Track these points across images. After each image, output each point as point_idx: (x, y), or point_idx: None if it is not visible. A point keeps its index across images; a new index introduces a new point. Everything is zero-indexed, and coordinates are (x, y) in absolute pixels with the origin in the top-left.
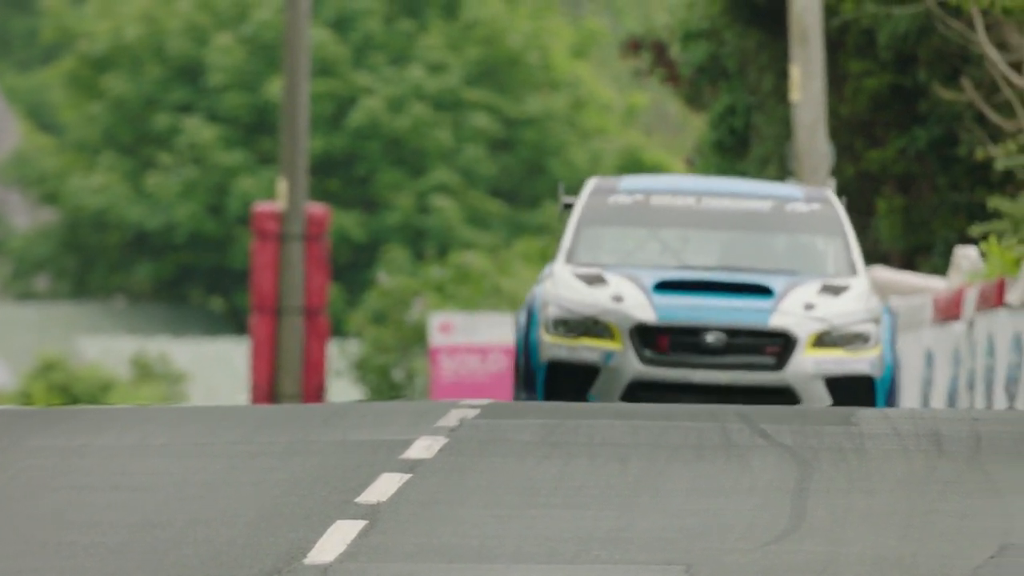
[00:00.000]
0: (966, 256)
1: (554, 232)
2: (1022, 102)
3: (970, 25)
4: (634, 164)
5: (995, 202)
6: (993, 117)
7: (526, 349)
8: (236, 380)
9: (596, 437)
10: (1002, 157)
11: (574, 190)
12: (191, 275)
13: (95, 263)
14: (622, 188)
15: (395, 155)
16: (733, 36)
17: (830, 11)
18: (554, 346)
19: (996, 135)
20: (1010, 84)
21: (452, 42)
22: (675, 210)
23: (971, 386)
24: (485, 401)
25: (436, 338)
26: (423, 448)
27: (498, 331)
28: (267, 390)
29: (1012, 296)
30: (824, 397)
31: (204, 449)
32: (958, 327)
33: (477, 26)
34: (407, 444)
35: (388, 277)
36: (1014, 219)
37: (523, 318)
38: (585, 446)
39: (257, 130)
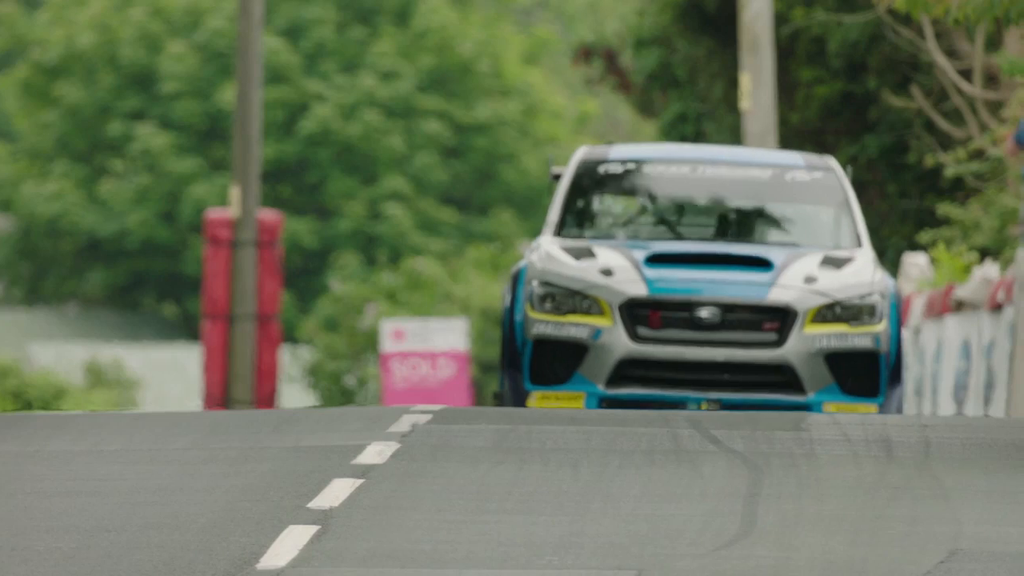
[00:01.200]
0: (915, 263)
1: (505, 239)
2: (972, 110)
3: (920, 33)
4: None
5: (944, 209)
6: (943, 124)
7: (511, 326)
8: (189, 386)
9: (548, 443)
10: (952, 164)
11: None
12: (144, 282)
13: (48, 270)
14: (612, 157)
15: (347, 162)
16: (684, 44)
17: (780, 19)
18: (540, 323)
19: (946, 142)
20: (960, 92)
21: (404, 50)
22: (669, 179)
23: (918, 392)
24: (437, 407)
25: (388, 344)
26: (375, 454)
27: (449, 337)
28: (219, 396)
29: (961, 292)
30: (825, 375)
31: (157, 455)
32: (904, 334)
33: (428, 34)
34: (359, 450)
35: (340, 284)
36: (963, 226)
37: (508, 294)
38: (537, 452)
39: (209, 137)
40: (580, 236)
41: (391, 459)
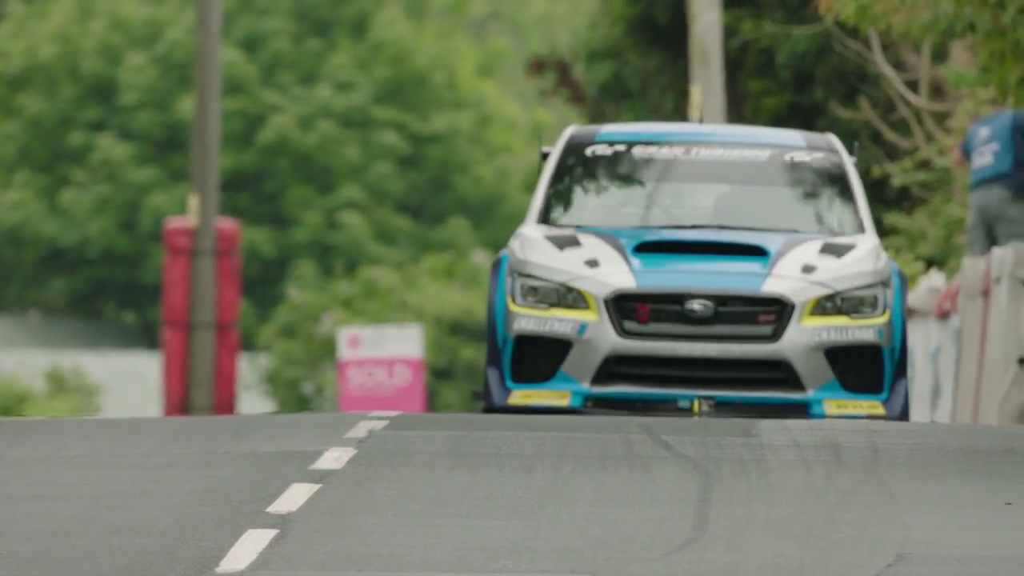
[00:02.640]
0: None
1: (460, 247)
2: (918, 120)
3: (867, 45)
4: None
5: (892, 219)
6: (890, 135)
7: (493, 321)
8: (149, 393)
9: (503, 448)
10: (898, 174)
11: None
12: (104, 290)
13: (10, 278)
14: (601, 137)
15: (304, 172)
16: (635, 57)
17: (730, 31)
18: (522, 317)
19: (893, 153)
20: (906, 103)
21: (360, 61)
22: (660, 161)
23: None
24: (393, 413)
25: (344, 352)
26: (333, 459)
27: (405, 345)
28: (179, 403)
29: (908, 299)
30: (824, 370)
31: (118, 460)
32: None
33: (384, 46)
34: (317, 455)
35: (297, 292)
36: (910, 235)
37: (491, 286)
38: (492, 457)
39: (169, 147)
40: (565, 223)
41: (348, 464)
